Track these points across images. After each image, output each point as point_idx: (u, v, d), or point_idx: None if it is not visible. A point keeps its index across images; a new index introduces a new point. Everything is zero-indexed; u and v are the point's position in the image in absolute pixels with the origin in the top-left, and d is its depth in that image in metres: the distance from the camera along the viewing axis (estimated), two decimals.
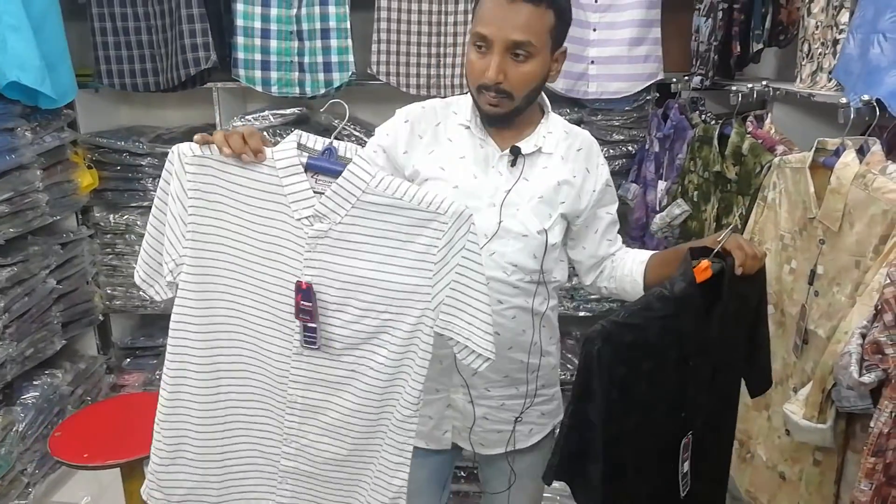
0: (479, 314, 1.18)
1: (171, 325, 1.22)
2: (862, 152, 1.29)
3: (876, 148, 1.25)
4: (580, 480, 1.10)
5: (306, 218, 1.16)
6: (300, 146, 1.18)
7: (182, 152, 1.17)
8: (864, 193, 1.21)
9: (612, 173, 2.70)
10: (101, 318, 2.91)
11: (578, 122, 2.72)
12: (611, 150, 2.72)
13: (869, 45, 1.43)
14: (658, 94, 2.67)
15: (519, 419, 1.46)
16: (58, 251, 2.62)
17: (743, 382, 1.32)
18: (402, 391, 1.22)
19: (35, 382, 2.52)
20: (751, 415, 1.61)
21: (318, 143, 1.19)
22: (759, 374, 1.30)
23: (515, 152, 1.35)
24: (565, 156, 1.40)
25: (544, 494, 2.44)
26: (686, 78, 2.43)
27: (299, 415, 1.25)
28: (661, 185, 2.42)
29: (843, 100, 1.34)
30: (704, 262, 1.14)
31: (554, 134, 1.40)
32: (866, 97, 1.29)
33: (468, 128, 1.39)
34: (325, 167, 1.17)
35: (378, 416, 1.25)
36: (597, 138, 2.71)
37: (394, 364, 1.21)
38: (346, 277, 1.18)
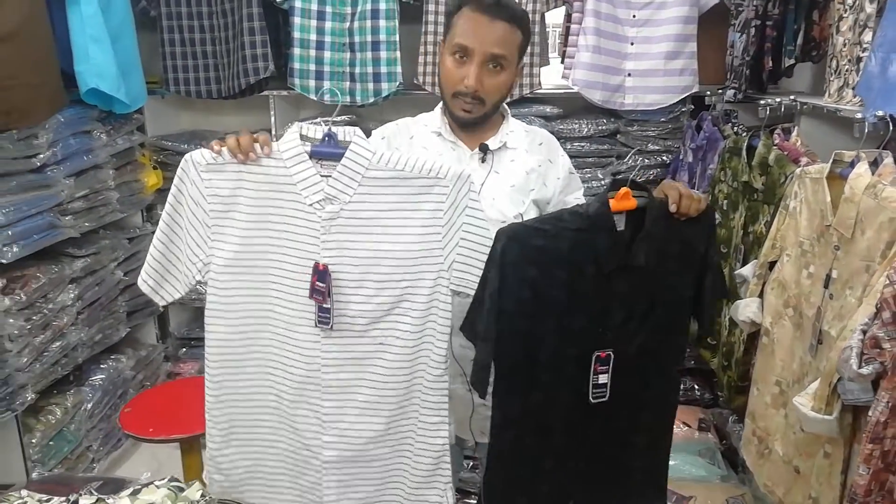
0: None
1: (206, 320, 1.31)
2: (876, 164, 1.38)
3: (888, 160, 1.34)
4: (478, 357, 1.27)
5: (318, 202, 1.25)
6: (303, 137, 1.28)
7: (195, 161, 1.25)
8: (875, 202, 1.30)
9: (647, 182, 2.84)
10: (160, 309, 3.12)
11: (615, 133, 2.84)
12: (646, 160, 2.82)
13: (889, 63, 1.51)
14: (693, 107, 2.76)
15: None
16: (125, 245, 2.84)
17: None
18: (430, 353, 1.30)
19: (102, 366, 2.73)
20: (769, 412, 1.69)
21: (318, 131, 1.28)
22: (706, 318, 1.42)
23: (484, 149, 1.52)
24: (529, 149, 1.57)
25: None
26: (720, 91, 2.52)
27: (335, 398, 1.31)
28: None
29: (858, 115, 1.43)
30: (624, 189, 1.25)
31: (516, 132, 1.58)
32: (880, 113, 1.38)
33: (440, 134, 1.56)
34: (328, 152, 1.27)
35: (410, 383, 1.32)
36: (632, 148, 2.84)
37: (418, 329, 1.29)
38: (363, 254, 1.26)
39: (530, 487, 1.37)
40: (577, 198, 1.63)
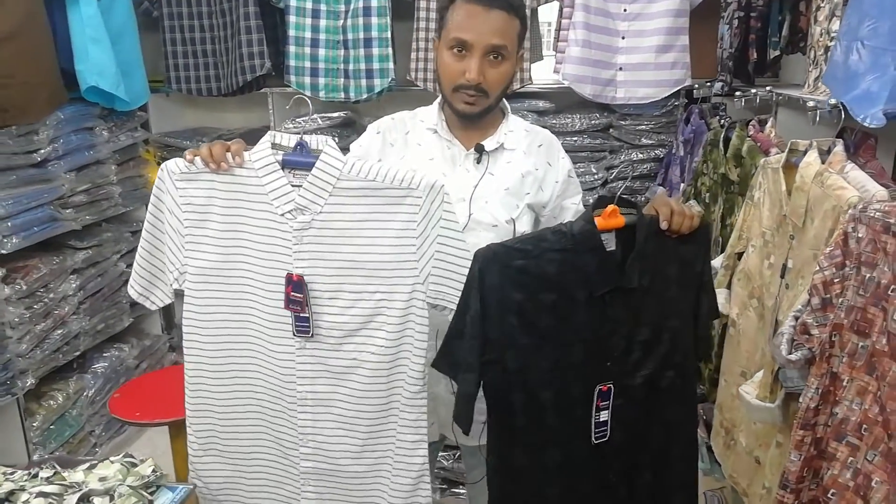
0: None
1: (183, 330, 1.32)
2: (829, 153, 1.37)
3: (838, 149, 1.33)
4: (462, 388, 1.20)
5: (289, 212, 1.24)
6: (274, 146, 1.26)
7: (170, 170, 1.26)
8: (821, 191, 1.29)
9: (641, 177, 2.83)
10: None
11: (608, 127, 2.84)
12: (639, 154, 2.81)
13: (850, 52, 1.50)
14: (686, 101, 2.74)
15: None
16: (128, 238, 2.93)
17: None
18: (407, 369, 1.28)
19: (105, 354, 2.83)
20: (735, 404, 1.68)
21: (291, 140, 1.27)
22: (702, 340, 1.35)
23: (479, 149, 1.47)
24: (527, 151, 1.51)
25: None
26: (708, 84, 2.50)
27: (311, 411, 1.31)
28: (682, 188, 2.49)
29: (811, 103, 1.42)
30: (611, 207, 1.19)
31: (515, 132, 1.52)
32: (833, 101, 1.37)
33: (435, 132, 1.51)
34: (299, 161, 1.25)
35: (387, 398, 1.30)
36: (626, 143, 2.84)
37: (394, 343, 1.27)
38: (336, 264, 1.25)
39: None
40: (574, 202, 1.57)
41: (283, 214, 1.25)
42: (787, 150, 1.47)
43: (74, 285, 2.58)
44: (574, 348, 1.22)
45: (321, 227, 1.25)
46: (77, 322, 2.60)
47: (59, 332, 2.51)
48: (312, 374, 1.29)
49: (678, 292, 1.28)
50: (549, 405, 1.22)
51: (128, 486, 1.19)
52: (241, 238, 1.28)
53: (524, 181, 1.50)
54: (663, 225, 1.22)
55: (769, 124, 1.90)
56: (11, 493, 1.17)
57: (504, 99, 1.53)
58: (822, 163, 1.34)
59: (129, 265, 2.90)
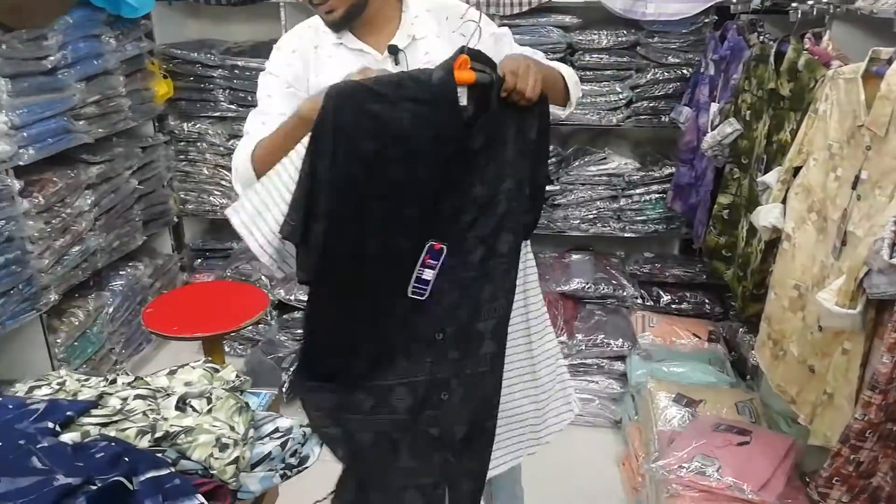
0: None
1: None
2: None
3: None
4: (305, 242, 1.14)
5: None
6: None
7: None
8: None
9: (666, 96, 2.78)
10: (175, 219, 3.14)
11: (635, 45, 2.77)
12: (665, 73, 2.77)
13: None
14: (717, 18, 2.68)
15: None
16: (138, 154, 2.82)
17: None
18: None
19: (121, 272, 2.77)
20: (786, 316, 1.72)
21: None
22: (534, 213, 1.35)
23: (394, 51, 1.37)
24: (439, 33, 1.41)
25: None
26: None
27: None
28: (714, 107, 2.46)
29: None
30: (462, 57, 1.14)
31: (420, 18, 1.41)
32: None
33: (342, 44, 1.39)
34: None
35: None
36: (652, 61, 2.76)
37: None
38: None
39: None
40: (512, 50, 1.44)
41: None
42: (867, 59, 1.45)
43: (90, 200, 2.49)
44: (411, 202, 1.19)
45: None
46: (94, 238, 2.53)
47: (77, 248, 2.44)
48: None
49: (515, 157, 1.26)
50: (373, 256, 1.19)
51: (223, 389, 1.17)
52: None
53: None
54: (502, 94, 1.20)
55: (825, 37, 1.87)
56: (100, 396, 1.14)
57: None
58: None
59: (141, 182, 2.84)
